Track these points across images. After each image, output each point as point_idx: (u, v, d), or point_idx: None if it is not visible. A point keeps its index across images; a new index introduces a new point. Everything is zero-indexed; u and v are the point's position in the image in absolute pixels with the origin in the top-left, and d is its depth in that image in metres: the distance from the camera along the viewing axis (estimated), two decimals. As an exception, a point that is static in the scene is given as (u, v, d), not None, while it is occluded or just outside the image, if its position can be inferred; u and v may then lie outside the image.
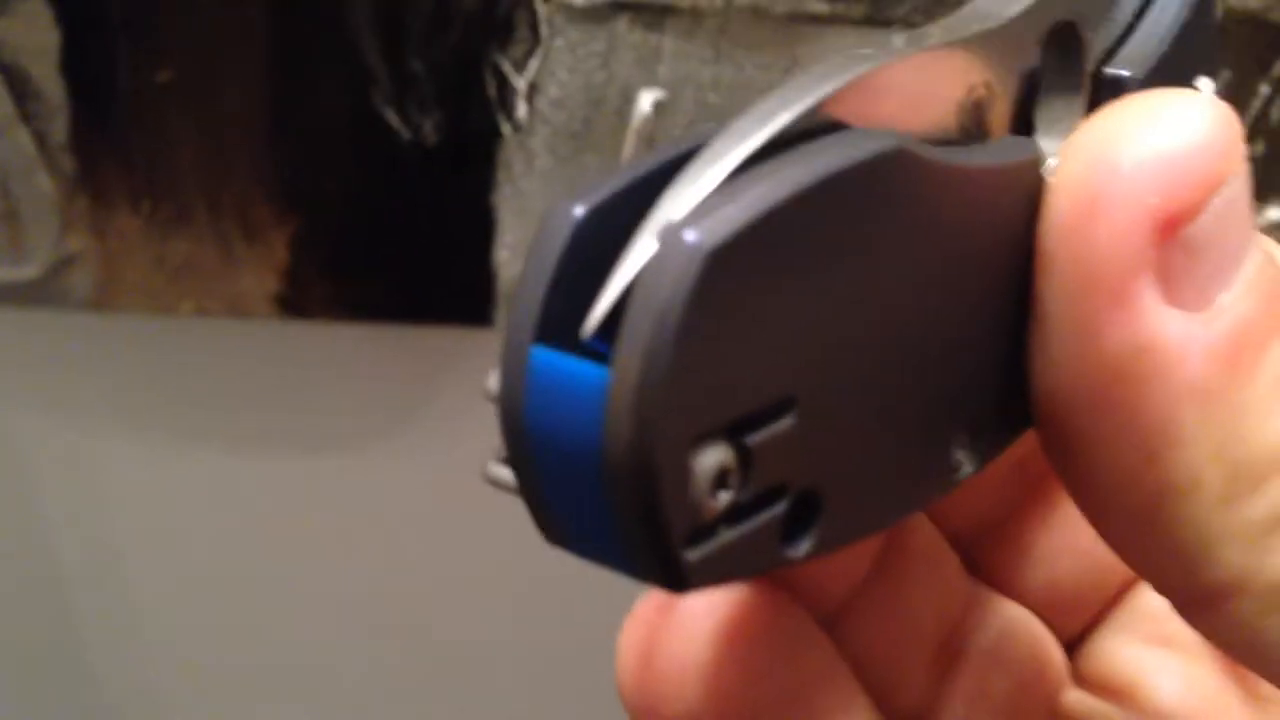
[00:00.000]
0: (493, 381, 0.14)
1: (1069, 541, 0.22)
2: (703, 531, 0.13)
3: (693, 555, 0.13)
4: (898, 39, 0.15)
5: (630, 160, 0.14)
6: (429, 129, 0.44)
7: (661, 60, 0.43)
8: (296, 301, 0.46)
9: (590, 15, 0.42)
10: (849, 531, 0.15)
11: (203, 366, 0.49)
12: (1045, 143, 0.17)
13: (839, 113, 0.14)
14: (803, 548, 0.14)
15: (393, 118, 0.44)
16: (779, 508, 0.14)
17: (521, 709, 0.56)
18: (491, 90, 0.44)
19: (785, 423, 0.13)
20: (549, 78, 0.43)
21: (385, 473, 0.52)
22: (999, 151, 0.16)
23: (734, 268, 0.13)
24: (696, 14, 0.42)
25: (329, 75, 0.43)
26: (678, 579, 0.13)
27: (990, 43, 0.16)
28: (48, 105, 0.43)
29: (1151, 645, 0.22)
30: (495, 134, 0.44)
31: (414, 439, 0.51)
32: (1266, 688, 0.21)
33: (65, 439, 0.50)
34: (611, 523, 0.13)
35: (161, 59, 0.42)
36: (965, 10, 0.16)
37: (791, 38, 0.43)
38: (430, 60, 0.43)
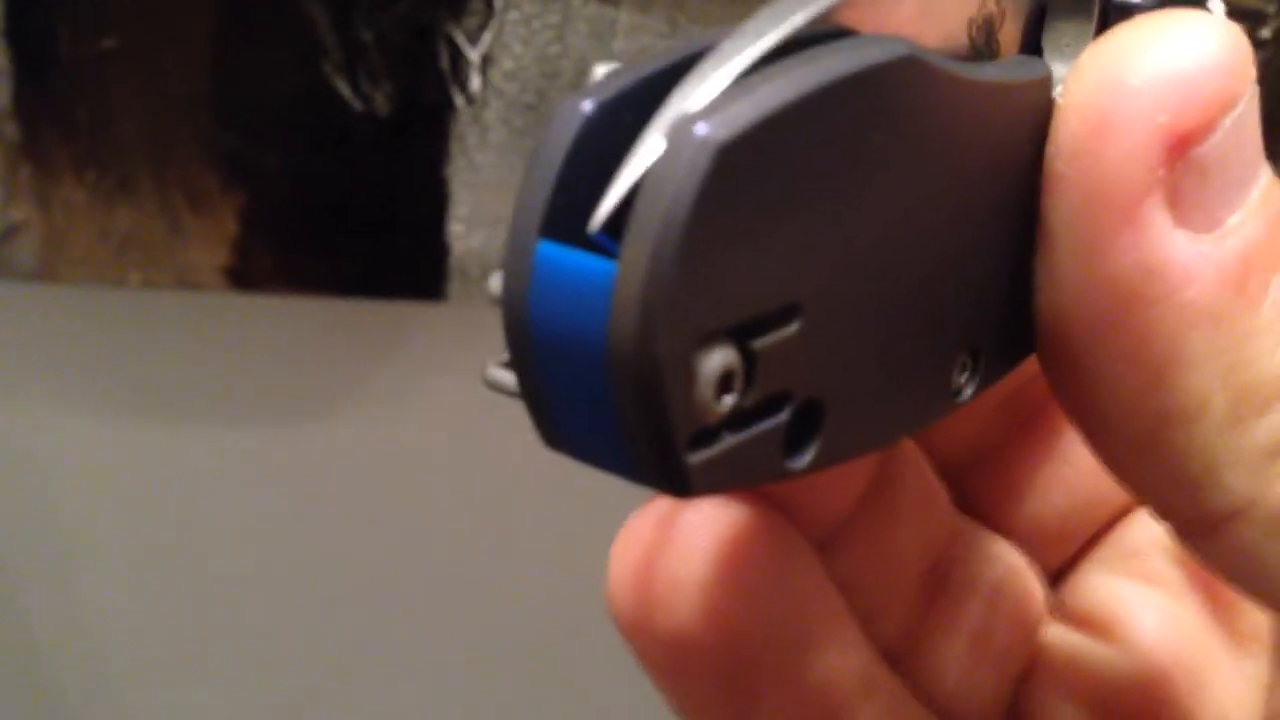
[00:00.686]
0: (495, 283, 0.14)
1: (1057, 475, 0.22)
2: (707, 435, 0.13)
3: (696, 459, 0.13)
4: None
5: (641, 59, 0.14)
6: (380, 100, 0.44)
7: (616, 34, 0.43)
8: (246, 274, 0.46)
9: (542, -14, 0.42)
10: (850, 446, 0.15)
11: (150, 339, 0.49)
12: (1055, 67, 0.17)
13: (850, 20, 0.14)
14: (804, 459, 0.14)
15: (343, 88, 0.43)
16: (782, 416, 0.14)
17: (482, 679, 0.56)
18: (444, 62, 0.43)
19: (790, 329, 0.13)
20: (503, 50, 0.43)
21: (336, 447, 0.51)
22: (1009, 69, 0.16)
23: (744, 165, 0.12)
24: (650, -14, 0.42)
25: (277, 43, 0.43)
26: (681, 482, 0.13)
27: None
28: (-12, 71, 0.42)
29: (1134, 580, 0.22)
30: (448, 106, 0.44)
31: (365, 413, 0.51)
32: (1247, 625, 0.21)
33: (8, 413, 0.49)
34: (615, 424, 0.13)
35: (106, 25, 0.42)
36: None
37: (747, 12, 0.43)
38: (380, 30, 0.43)
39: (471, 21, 0.42)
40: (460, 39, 0.43)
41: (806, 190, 0.13)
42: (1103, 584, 0.22)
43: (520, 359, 0.14)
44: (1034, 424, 0.21)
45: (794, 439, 0.14)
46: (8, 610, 0.53)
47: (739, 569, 0.18)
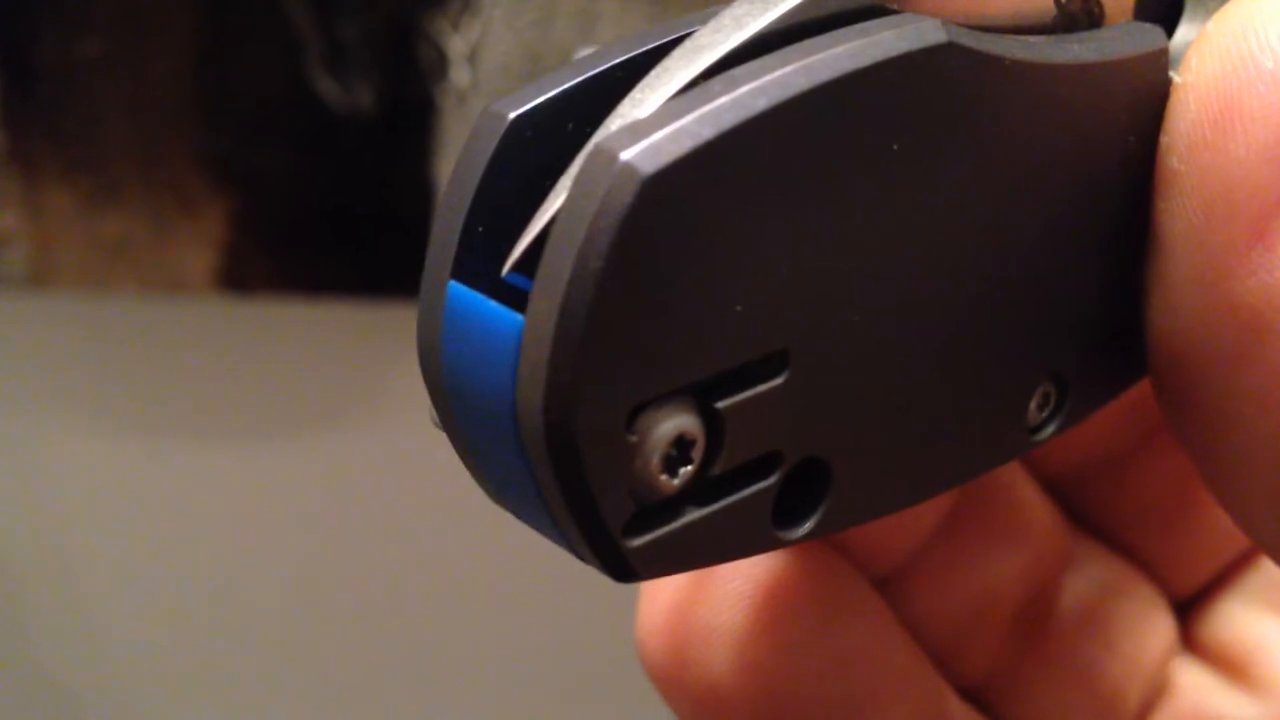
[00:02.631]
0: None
1: (1193, 491, 0.18)
2: (655, 513, 0.11)
3: (638, 542, 0.11)
4: None
5: (613, 43, 0.12)
6: (365, 97, 0.43)
7: (602, 23, 0.42)
8: (237, 276, 0.45)
9: (524, -22, 0.42)
10: (870, 506, 0.13)
11: (142, 346, 0.48)
12: (1187, 33, 0.14)
13: None
14: (804, 527, 0.12)
15: (327, 86, 0.43)
16: (770, 480, 0.12)
17: (485, 689, 0.56)
18: (427, 58, 0.43)
19: (773, 383, 0.11)
20: (488, 44, 0.43)
21: (330, 450, 0.51)
22: (1109, 42, 0.13)
23: (687, 197, 0.10)
24: (633, -24, 0.42)
25: (261, 45, 0.42)
26: (620, 569, 0.11)
27: None
28: (-29, 78, 0.41)
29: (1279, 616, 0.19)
30: (430, 101, 0.43)
31: (359, 414, 0.50)
32: None
33: (0, 421, 0.49)
34: (539, 498, 0.11)
35: (89, 30, 0.41)
36: None
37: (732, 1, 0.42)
38: (362, 27, 0.42)
39: (452, 15, 0.42)
40: (445, 34, 0.42)
41: (791, 217, 0.11)
42: (1243, 618, 0.19)
43: (440, 409, 0.12)
44: (1163, 431, 0.18)
45: (789, 505, 0.12)
46: (2, 617, 0.53)
47: (781, 618, 0.16)
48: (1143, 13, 0.13)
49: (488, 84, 0.43)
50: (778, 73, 0.10)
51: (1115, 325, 0.14)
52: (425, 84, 0.43)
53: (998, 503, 0.18)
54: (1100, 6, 0.13)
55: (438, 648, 0.55)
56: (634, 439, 0.10)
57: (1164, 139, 0.13)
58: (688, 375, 0.11)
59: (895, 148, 0.11)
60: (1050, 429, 0.14)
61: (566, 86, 0.11)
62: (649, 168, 0.10)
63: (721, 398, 0.11)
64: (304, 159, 0.44)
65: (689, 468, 0.11)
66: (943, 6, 0.12)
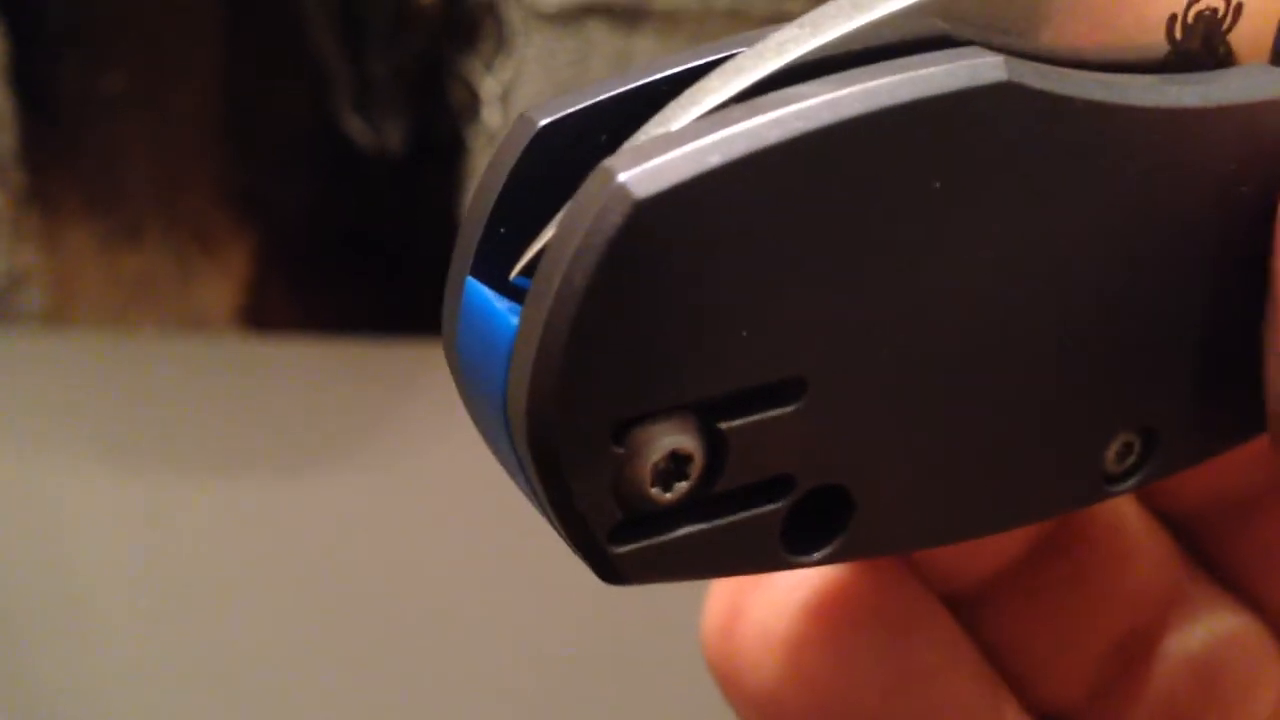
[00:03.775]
0: None
1: None
2: (647, 523, 0.11)
3: (625, 549, 0.11)
4: None
5: (651, 61, 0.12)
6: (393, 136, 0.43)
7: (636, 61, 0.42)
8: (259, 315, 0.45)
9: (562, 20, 0.41)
10: (900, 539, 0.13)
11: (162, 383, 0.48)
12: None
13: (970, 15, 0.11)
14: (819, 553, 0.12)
15: (355, 124, 0.42)
16: (779, 503, 0.12)
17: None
18: (457, 96, 0.42)
19: (786, 408, 0.11)
20: (521, 83, 0.42)
21: (353, 489, 0.50)
22: (1222, 87, 0.12)
23: (685, 221, 0.10)
24: (673, 17, 0.41)
25: (287, 81, 0.42)
26: (607, 573, 0.11)
27: None
28: (-8, 116, 0.41)
29: None
30: (460, 141, 0.43)
31: (381, 454, 0.50)
32: None
33: (17, 460, 0.49)
34: (534, 494, 0.11)
35: (111, 67, 0.41)
36: None
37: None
38: (393, 64, 0.42)
39: (484, 54, 0.41)
40: (478, 74, 0.42)
41: (807, 250, 0.11)
42: None
43: (460, 395, 0.12)
44: None
45: (804, 528, 0.12)
46: (14, 659, 0.52)
47: (843, 631, 0.15)
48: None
49: (521, 109, 0.42)
50: (804, 104, 0.10)
51: (1222, 380, 0.13)
52: (455, 124, 0.43)
53: (1097, 533, 0.17)
54: (1228, 46, 0.12)
55: (449, 684, 0.54)
56: (621, 452, 0.11)
57: None
58: (682, 394, 0.11)
59: (937, 185, 0.11)
60: (1133, 480, 0.13)
61: (603, 97, 0.11)
62: (642, 192, 0.10)
63: (726, 419, 0.11)
64: (329, 197, 0.44)
65: (685, 483, 0.11)
66: (1044, 37, 0.11)
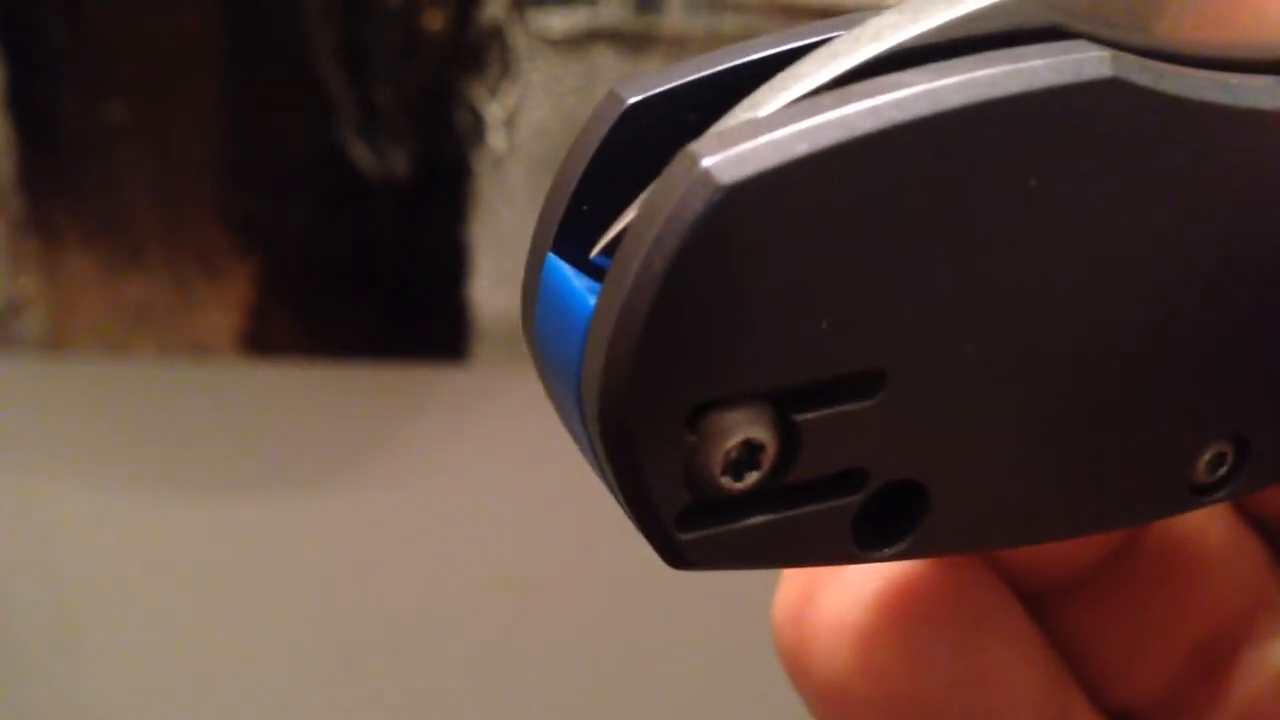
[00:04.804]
0: None
1: None
2: (716, 510, 0.11)
3: (693, 535, 0.11)
4: None
5: (744, 43, 0.12)
6: (398, 162, 0.42)
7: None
8: (262, 340, 0.44)
9: (567, 45, 0.41)
10: (976, 539, 0.12)
11: (162, 409, 0.48)
12: None
13: (1072, 9, 0.11)
14: (893, 548, 0.12)
15: (359, 150, 0.42)
16: (854, 497, 0.11)
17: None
18: (463, 121, 0.42)
19: (865, 402, 0.11)
20: (527, 109, 0.42)
21: (355, 513, 0.50)
22: None
23: (768, 210, 0.10)
24: (679, 42, 0.41)
25: (291, 107, 0.41)
26: (674, 558, 0.11)
27: None
28: (-9, 142, 0.41)
29: None
30: (466, 166, 0.42)
31: (383, 479, 0.49)
32: None
33: (18, 486, 0.48)
34: (603, 474, 0.11)
35: (113, 93, 0.41)
36: None
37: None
38: (398, 90, 0.41)
39: (490, 80, 0.41)
40: (483, 99, 0.41)
41: (894, 243, 0.10)
42: None
43: (536, 367, 0.12)
44: None
45: (874, 523, 0.12)
46: (13, 683, 0.52)
47: (914, 625, 0.15)
48: None
49: (525, 149, 0.42)
50: (900, 93, 0.10)
51: None
52: (460, 149, 0.42)
53: (1182, 536, 0.17)
54: None
55: (454, 707, 0.54)
56: (693, 438, 0.11)
57: None
58: (758, 383, 0.11)
59: (1034, 183, 0.10)
60: (1222, 492, 0.13)
61: (693, 78, 0.11)
62: (727, 178, 0.10)
63: (802, 410, 0.11)
64: (333, 222, 0.43)
65: (756, 473, 0.11)
66: (1157, 32, 0.11)
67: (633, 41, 0.41)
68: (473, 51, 0.41)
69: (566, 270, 0.11)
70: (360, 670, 0.53)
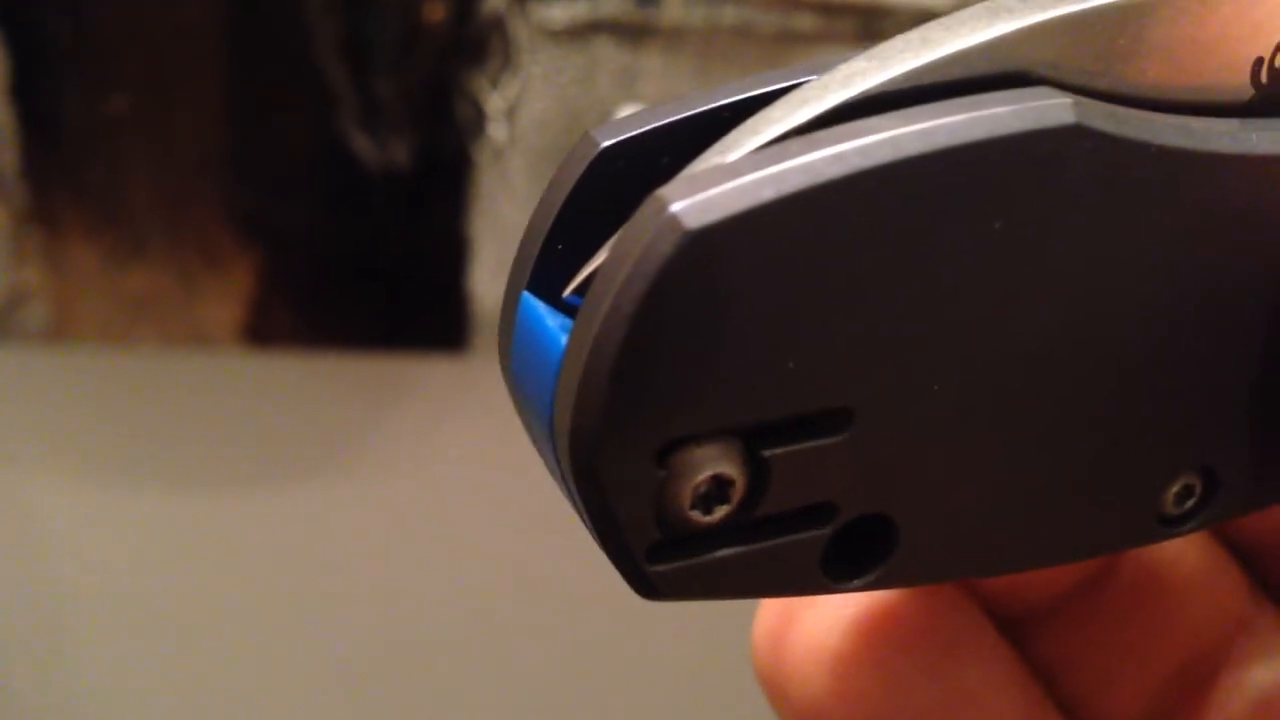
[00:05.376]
0: None
1: None
2: (686, 543, 0.11)
3: (663, 568, 0.11)
4: None
5: (717, 88, 0.12)
6: (399, 154, 0.42)
7: (643, 79, 0.42)
8: (263, 331, 0.45)
9: (568, 37, 0.41)
10: (945, 568, 0.13)
11: (164, 400, 0.48)
12: None
13: (1041, 56, 0.11)
14: (862, 579, 0.12)
15: (361, 141, 0.42)
16: (823, 530, 0.12)
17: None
18: (464, 113, 0.42)
19: (831, 439, 0.11)
20: (527, 100, 0.42)
21: (358, 504, 0.50)
22: None
23: (735, 254, 0.10)
24: (679, 34, 0.41)
25: (292, 98, 0.42)
26: (645, 589, 0.11)
27: None
28: (-5, 135, 0.41)
29: None
30: (466, 157, 0.42)
31: (387, 469, 0.50)
32: None
33: (20, 477, 0.48)
34: (574, 506, 0.11)
35: (116, 84, 0.41)
36: None
37: (779, 55, 0.41)
38: (399, 83, 0.41)
39: (491, 72, 0.41)
40: (482, 90, 0.41)
41: (859, 285, 0.11)
42: None
43: (514, 403, 0.12)
44: None
45: (844, 555, 0.12)
46: (13, 676, 0.52)
47: (892, 650, 0.15)
48: None
49: (526, 140, 0.42)
50: (864, 140, 0.10)
51: None
52: (461, 140, 0.42)
53: (1159, 561, 0.17)
54: None
55: (464, 696, 0.54)
56: (663, 473, 0.11)
57: None
58: (725, 421, 0.11)
59: (998, 226, 0.11)
60: (1192, 523, 0.13)
61: (666, 122, 0.12)
62: (694, 223, 0.10)
63: (770, 446, 0.11)
64: (334, 214, 0.43)
65: (726, 507, 0.11)
66: (1122, 77, 0.11)
67: (633, 33, 0.41)
68: (474, 43, 0.41)
69: (541, 309, 0.12)
70: (368, 660, 0.53)
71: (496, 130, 0.42)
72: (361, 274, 0.44)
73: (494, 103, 0.42)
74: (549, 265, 0.12)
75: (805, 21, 0.41)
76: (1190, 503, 0.13)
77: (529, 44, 0.41)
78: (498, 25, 0.41)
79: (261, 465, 0.49)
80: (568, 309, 0.12)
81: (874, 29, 0.41)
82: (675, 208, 0.10)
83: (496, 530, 0.51)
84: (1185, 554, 0.17)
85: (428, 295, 0.45)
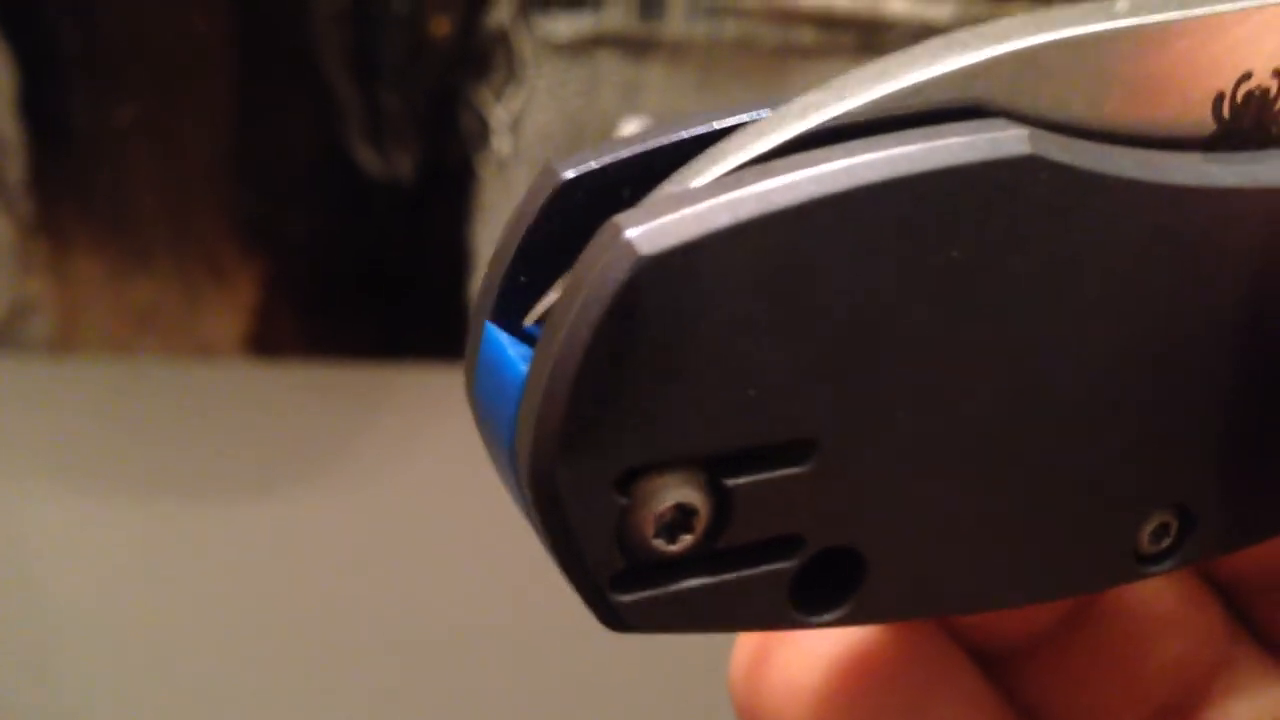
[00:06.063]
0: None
1: None
2: (651, 573, 0.11)
3: (628, 598, 0.11)
4: (1121, 4, 0.11)
5: (674, 121, 0.12)
6: (404, 164, 0.43)
7: (646, 92, 0.42)
8: (267, 341, 0.45)
9: (572, 50, 0.41)
10: (917, 605, 0.12)
11: (169, 410, 0.48)
12: None
13: (1005, 91, 0.11)
14: (831, 614, 0.12)
15: (366, 153, 0.42)
16: (789, 563, 0.11)
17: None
18: (468, 125, 0.42)
19: (794, 470, 0.11)
20: (531, 112, 0.42)
21: (364, 515, 0.50)
22: (1270, 165, 0.12)
23: (689, 280, 0.10)
24: (681, 48, 0.41)
25: (298, 110, 0.42)
26: (611, 620, 0.11)
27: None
28: (4, 147, 0.41)
29: None
30: (471, 169, 0.43)
31: (392, 480, 0.50)
32: None
33: (23, 487, 0.48)
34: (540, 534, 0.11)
35: (122, 97, 0.41)
36: None
37: (780, 69, 0.42)
38: (405, 95, 0.42)
39: (496, 84, 0.42)
40: (488, 103, 0.42)
41: (816, 313, 0.10)
42: None
43: (480, 434, 0.12)
44: None
45: (814, 589, 0.12)
46: (12, 690, 0.52)
47: (868, 688, 0.15)
48: None
49: (529, 152, 0.42)
50: (818, 169, 0.10)
51: (1264, 467, 0.13)
52: (466, 152, 0.43)
53: (1138, 600, 0.17)
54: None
55: (466, 709, 0.54)
56: (625, 501, 0.11)
57: None
58: (686, 449, 0.11)
59: (956, 255, 0.11)
60: (1168, 562, 0.13)
61: (626, 155, 0.12)
62: (648, 249, 0.10)
63: (733, 476, 0.11)
64: (338, 225, 0.44)
65: (689, 536, 0.11)
66: (1081, 112, 0.11)
67: (636, 47, 0.41)
68: (478, 57, 0.41)
69: (503, 338, 0.12)
70: (375, 670, 0.53)
71: (500, 142, 0.42)
72: (365, 284, 0.45)
73: (498, 115, 0.42)
74: (512, 295, 0.12)
75: (806, 36, 0.41)
76: (1166, 541, 0.13)
77: (533, 57, 0.41)
78: (502, 39, 0.41)
79: (266, 474, 0.49)
80: (530, 339, 0.12)
81: (874, 43, 0.42)
82: (630, 234, 0.10)
83: (502, 537, 0.51)
84: (1165, 592, 0.17)
85: (432, 305, 0.45)
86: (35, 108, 0.41)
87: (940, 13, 0.41)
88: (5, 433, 0.48)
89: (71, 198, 0.42)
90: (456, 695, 0.54)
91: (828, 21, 0.41)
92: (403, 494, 0.50)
